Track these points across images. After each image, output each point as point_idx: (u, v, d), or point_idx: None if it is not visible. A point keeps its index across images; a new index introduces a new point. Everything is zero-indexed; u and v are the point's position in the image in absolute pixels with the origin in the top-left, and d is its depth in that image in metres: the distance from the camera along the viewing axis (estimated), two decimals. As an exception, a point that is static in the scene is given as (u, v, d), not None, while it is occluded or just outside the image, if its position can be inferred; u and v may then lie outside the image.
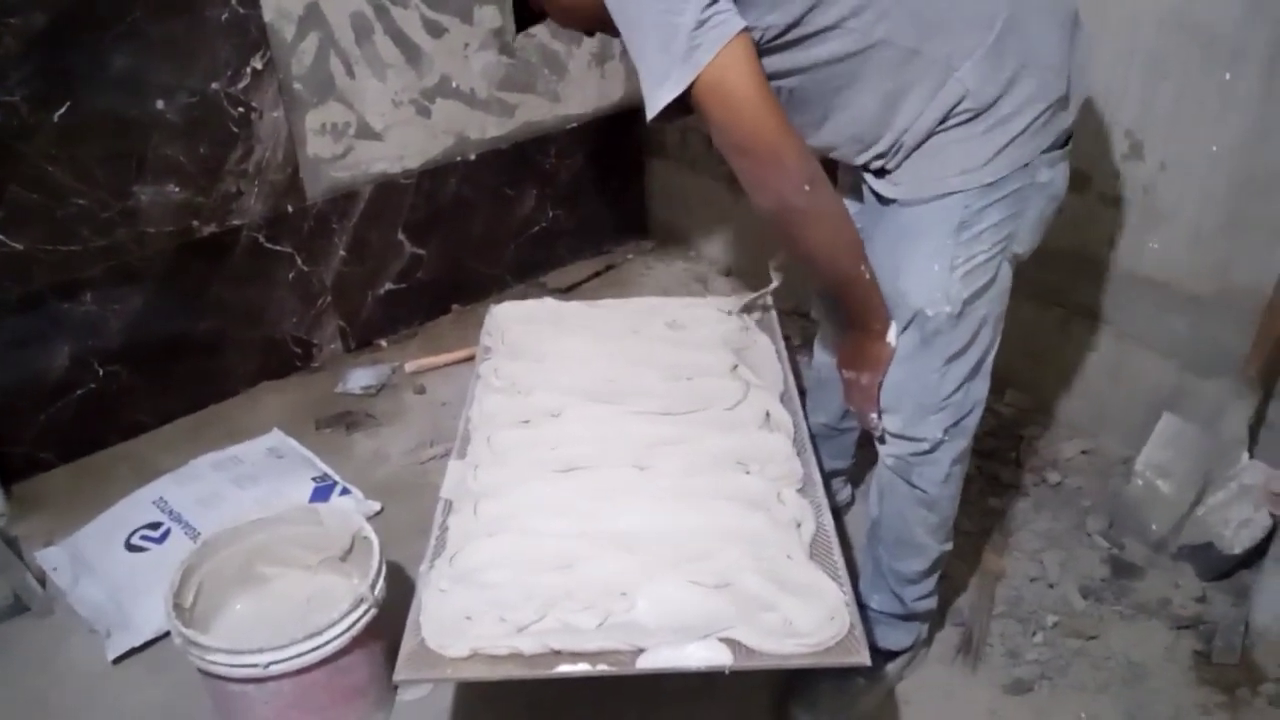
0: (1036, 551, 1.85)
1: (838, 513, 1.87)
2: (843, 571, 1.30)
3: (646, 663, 1.20)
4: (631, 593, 1.26)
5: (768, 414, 1.59)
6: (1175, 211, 1.81)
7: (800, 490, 1.44)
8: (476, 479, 1.50)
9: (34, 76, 1.87)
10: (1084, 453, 2.08)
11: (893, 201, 1.30)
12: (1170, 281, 1.86)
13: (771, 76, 1.19)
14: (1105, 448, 2.07)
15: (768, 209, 1.21)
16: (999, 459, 2.06)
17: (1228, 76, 1.65)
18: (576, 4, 1.27)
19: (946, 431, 1.37)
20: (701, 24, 1.07)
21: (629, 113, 2.86)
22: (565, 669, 1.20)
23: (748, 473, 1.47)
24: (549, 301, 1.98)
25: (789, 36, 1.17)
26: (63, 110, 1.92)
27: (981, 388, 1.38)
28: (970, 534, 1.87)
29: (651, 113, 1.14)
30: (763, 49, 1.17)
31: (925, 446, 1.38)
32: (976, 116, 1.19)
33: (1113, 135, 1.85)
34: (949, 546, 1.53)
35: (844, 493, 1.96)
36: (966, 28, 1.16)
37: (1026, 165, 1.23)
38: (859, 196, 1.42)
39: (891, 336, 1.33)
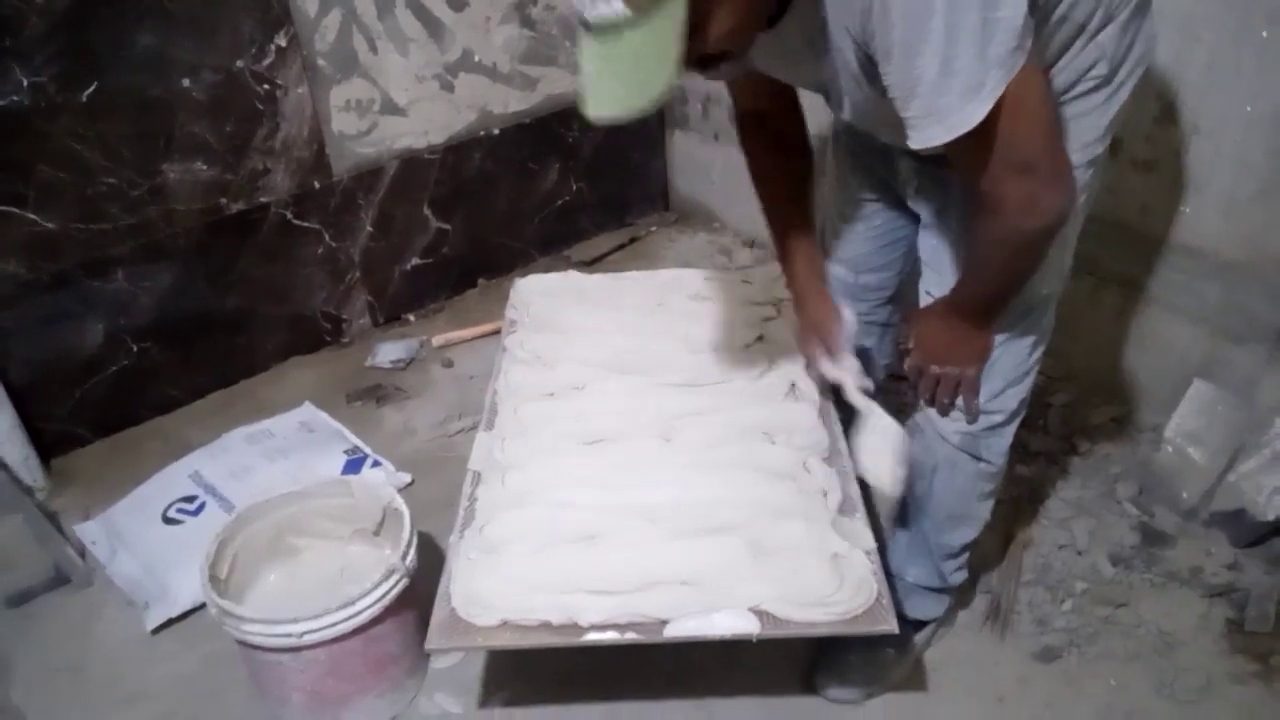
0: (1065, 519, 1.84)
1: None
2: (869, 539, 1.30)
3: (674, 631, 1.21)
4: (658, 564, 1.27)
5: (793, 384, 1.59)
6: (1208, 177, 1.78)
7: (826, 459, 1.44)
8: (504, 451, 1.52)
9: (60, 56, 1.89)
10: (1114, 420, 2.06)
11: None
12: (1203, 248, 1.83)
13: None
14: (1135, 415, 2.05)
15: (1040, 229, 1.08)
16: (1028, 426, 2.03)
17: (1264, 34, 1.61)
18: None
19: (1021, 402, 1.37)
20: (1025, 23, 0.94)
21: (652, 84, 2.84)
22: (593, 637, 1.21)
23: (773, 443, 1.47)
24: (573, 274, 1.99)
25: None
26: (90, 90, 1.94)
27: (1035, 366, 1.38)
28: (1000, 501, 1.85)
29: (962, 129, 0.97)
30: None
31: (1000, 419, 1.38)
32: (1098, 86, 1.16)
33: (1144, 98, 1.81)
34: (989, 517, 1.53)
35: None
36: None
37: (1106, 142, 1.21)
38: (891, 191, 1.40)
39: None
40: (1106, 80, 1.15)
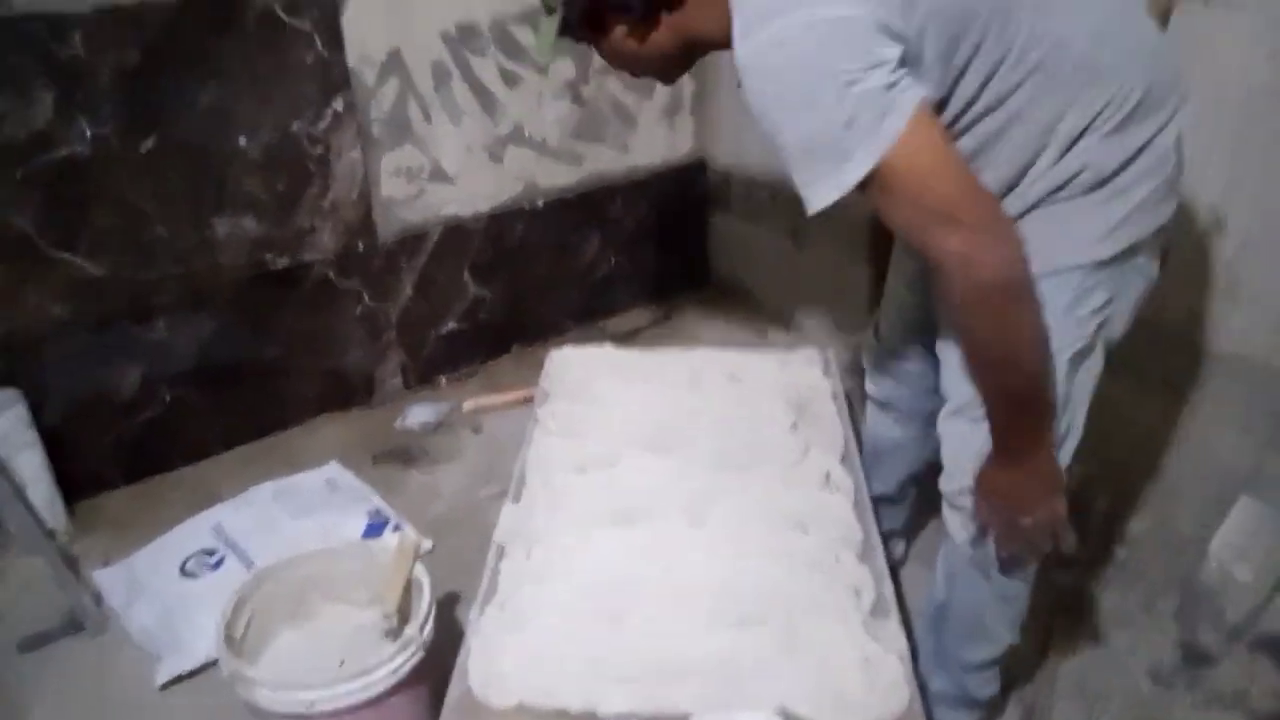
0: (1104, 631, 1.78)
1: (895, 573, 1.82)
2: (903, 643, 1.26)
3: None
4: (683, 653, 1.23)
5: (828, 474, 1.56)
6: (1258, 290, 1.76)
7: (860, 556, 1.41)
8: (530, 524, 1.49)
9: (124, 109, 1.94)
10: (1153, 529, 2.00)
11: None
12: (1253, 358, 1.80)
13: None
14: (1176, 524, 1.99)
15: (986, 282, 1.03)
16: (1065, 532, 1.99)
17: (1318, 151, 1.61)
18: (642, 54, 1.22)
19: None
20: (892, 85, 0.98)
21: (695, 165, 2.88)
22: None
23: (806, 533, 1.44)
24: (609, 348, 1.98)
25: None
26: (149, 142, 1.99)
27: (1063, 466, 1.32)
28: (1035, 609, 1.79)
29: (829, 199, 1.03)
30: None
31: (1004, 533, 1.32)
32: (1095, 188, 1.15)
33: (1195, 208, 1.81)
34: (1017, 639, 1.47)
35: (898, 549, 1.91)
36: (1105, 101, 1.12)
37: (1134, 246, 1.18)
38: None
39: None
40: (1100, 184, 1.14)
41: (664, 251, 2.95)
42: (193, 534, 1.98)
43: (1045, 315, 1.16)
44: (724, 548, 1.41)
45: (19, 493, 1.90)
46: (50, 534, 1.98)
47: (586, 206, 2.72)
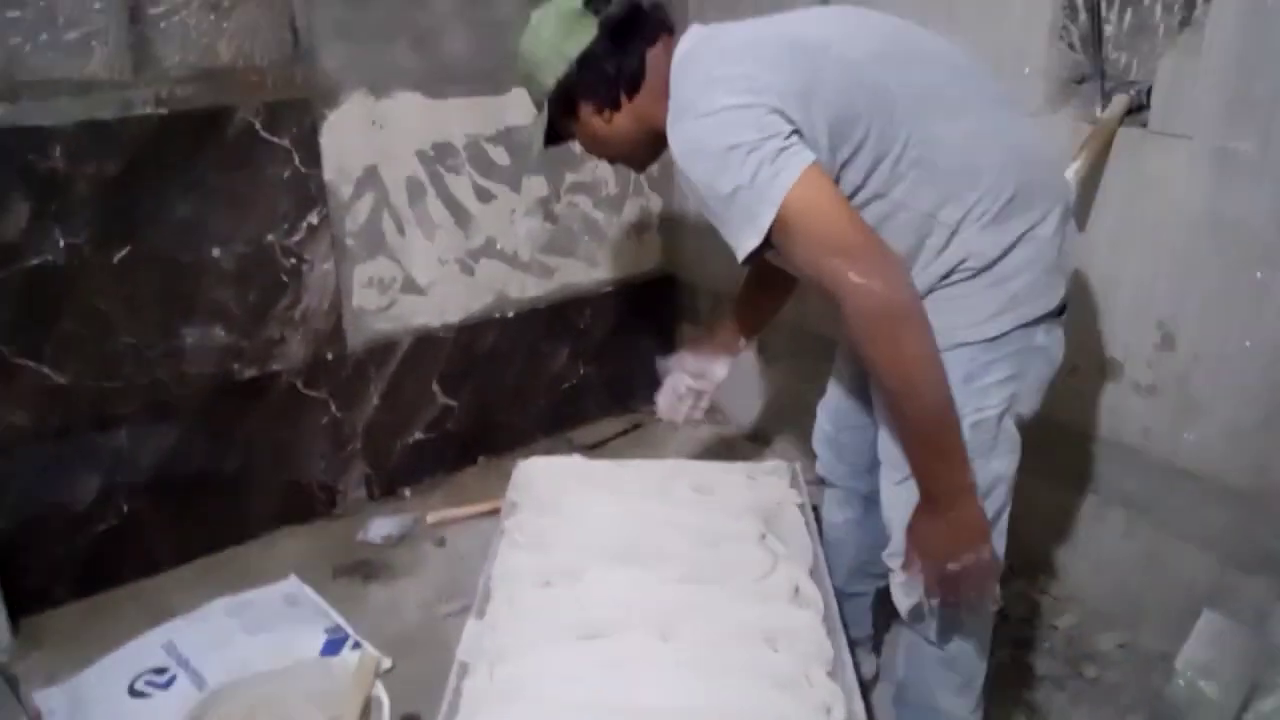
0: (1075, 752, 1.76)
1: (865, 691, 1.80)
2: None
3: None
4: None
5: (797, 588, 1.56)
6: (1210, 405, 1.81)
7: (830, 673, 1.39)
8: (494, 640, 1.46)
9: (99, 219, 1.96)
10: (1120, 646, 2.00)
11: None
12: (1208, 474, 1.84)
13: None
14: (1143, 641, 1.99)
15: (877, 308, 1.14)
16: (1033, 649, 1.98)
17: (1259, 275, 1.68)
18: (611, 138, 1.42)
19: None
20: (783, 150, 1.16)
21: (663, 278, 2.95)
22: None
23: (775, 650, 1.42)
24: (577, 459, 1.98)
25: None
26: (122, 252, 2.01)
27: (999, 546, 1.36)
28: (1004, 729, 1.78)
29: (750, 245, 1.19)
30: None
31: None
32: (977, 275, 1.27)
33: (1144, 325, 1.87)
34: (978, 714, 1.48)
35: (868, 664, 1.89)
36: (978, 196, 1.24)
37: (1026, 326, 1.29)
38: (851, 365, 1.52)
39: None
40: (982, 270, 1.27)
41: (632, 362, 2.98)
42: (143, 651, 1.91)
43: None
44: (693, 665, 1.39)
45: (-38, 608, 1.84)
46: (-9, 651, 1.91)
47: (556, 317, 2.75)
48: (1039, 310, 1.29)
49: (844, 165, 1.23)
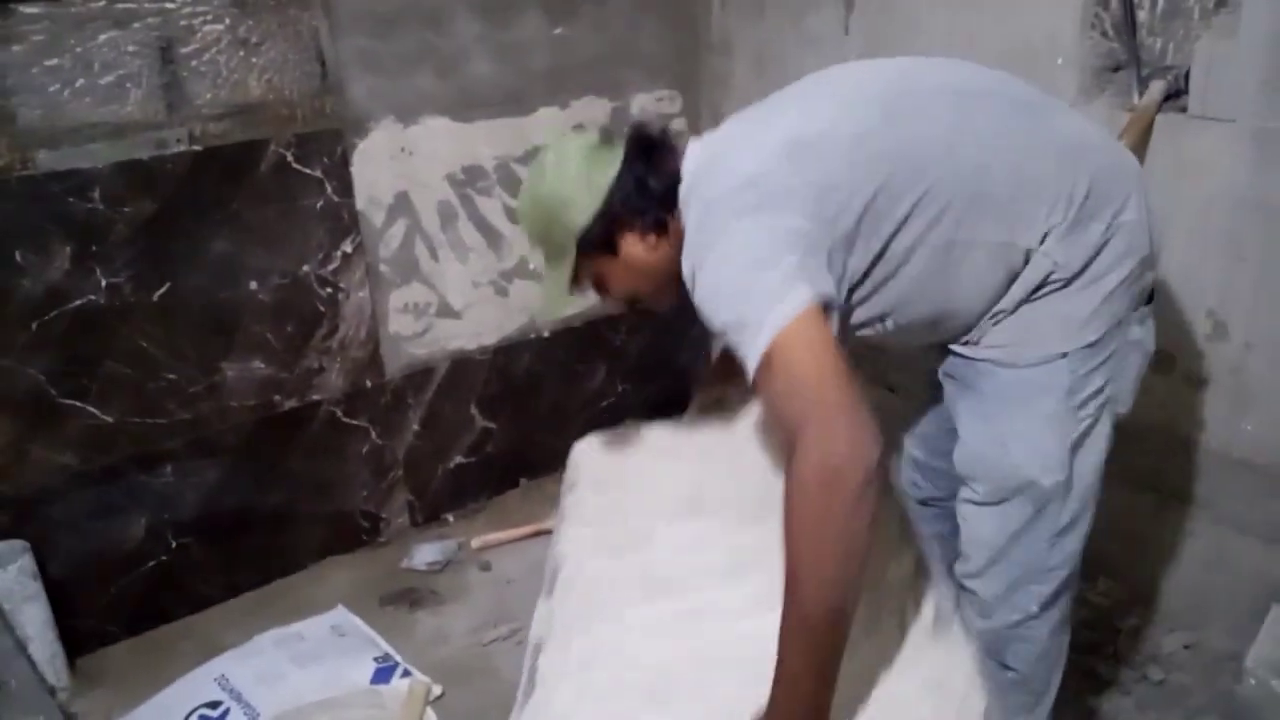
0: (1146, 757, 1.71)
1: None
2: (966, 652, 1.18)
3: None
4: None
5: None
6: (1267, 393, 1.76)
7: (911, 574, 1.32)
8: (565, 614, 1.43)
9: (139, 259, 1.99)
10: (1186, 647, 1.94)
11: (983, 365, 1.28)
12: (1268, 464, 1.79)
13: (871, 321, 1.25)
14: (1210, 641, 1.93)
15: (822, 471, 0.97)
16: (1096, 653, 1.93)
17: (1311, 257, 1.64)
18: (657, 266, 1.33)
19: (1043, 604, 1.32)
20: (786, 279, 1.06)
21: (697, 292, 2.93)
22: None
23: None
24: (631, 429, 1.94)
25: (877, 274, 1.21)
26: (162, 290, 2.03)
27: (1078, 559, 1.33)
28: (1071, 736, 1.73)
29: (754, 357, 1.06)
30: (856, 300, 1.22)
31: (1017, 618, 1.33)
32: (1069, 283, 1.21)
33: (1195, 316, 1.83)
34: None
35: None
36: (1048, 209, 1.19)
37: (1120, 323, 1.24)
38: (935, 392, 1.42)
39: None
40: (1073, 278, 1.21)
41: (669, 377, 2.97)
42: (196, 687, 1.92)
43: (1043, 402, 1.23)
44: (771, 603, 1.33)
45: (21, 648, 1.85)
46: (51, 691, 1.92)
47: (591, 335, 2.74)
48: (1132, 304, 1.25)
49: (893, 236, 1.18)
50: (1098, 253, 1.21)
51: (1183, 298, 1.83)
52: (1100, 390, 1.25)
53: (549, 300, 1.40)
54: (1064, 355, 1.22)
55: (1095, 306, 1.22)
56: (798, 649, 1.01)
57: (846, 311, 1.22)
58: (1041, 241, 1.20)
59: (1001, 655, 1.36)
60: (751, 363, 1.06)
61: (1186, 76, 1.75)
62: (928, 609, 1.26)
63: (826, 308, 1.08)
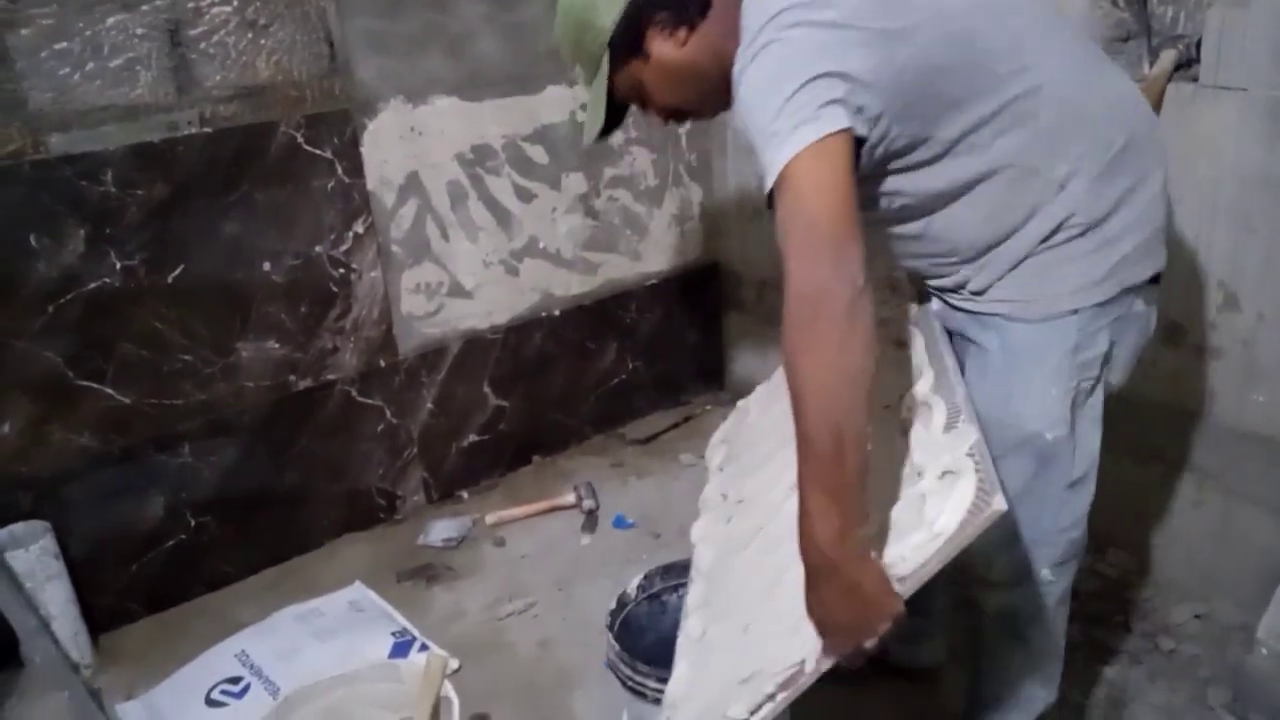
0: (1155, 727, 1.72)
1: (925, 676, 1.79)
2: (976, 435, 1.15)
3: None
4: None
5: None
6: (1278, 364, 1.76)
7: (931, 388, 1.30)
8: (703, 596, 1.45)
9: (152, 242, 2.00)
10: (1197, 617, 1.95)
11: (991, 319, 1.28)
12: (1275, 437, 1.78)
13: (886, 195, 1.22)
14: (1220, 612, 1.94)
15: (812, 292, 1.01)
16: (1106, 624, 1.94)
17: (1322, 228, 1.63)
18: (685, 68, 1.26)
19: (1053, 569, 1.33)
20: (828, 103, 1.05)
21: (707, 268, 2.93)
22: None
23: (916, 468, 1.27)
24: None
25: (907, 152, 1.18)
26: (176, 272, 2.05)
27: (1085, 523, 1.34)
28: (1079, 706, 1.74)
29: (773, 172, 1.05)
30: (888, 168, 1.19)
31: (1027, 583, 1.33)
32: (1085, 233, 1.20)
33: (1206, 287, 1.82)
34: (1054, 698, 1.46)
35: (932, 649, 1.83)
36: (1087, 148, 1.18)
37: (1128, 290, 1.23)
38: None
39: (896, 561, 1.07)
40: (1089, 229, 1.20)
41: (681, 355, 2.97)
42: (217, 662, 1.95)
43: (1049, 358, 1.22)
44: None
45: (45, 626, 1.89)
46: (75, 668, 1.96)
47: (602, 313, 2.75)
48: (1145, 274, 1.25)
49: (935, 120, 1.15)
50: (1116, 209, 1.20)
51: (1193, 268, 1.82)
52: (1106, 353, 1.25)
53: (590, 118, 1.32)
54: (1074, 312, 1.22)
55: (1109, 268, 1.21)
56: (806, 474, 1.03)
57: (866, 171, 1.18)
58: (1066, 182, 1.18)
59: (1013, 624, 1.37)
60: (770, 177, 1.05)
61: (1198, 46, 1.73)
62: (939, 413, 1.23)
63: (854, 144, 1.07)
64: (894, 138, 1.15)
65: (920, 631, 1.76)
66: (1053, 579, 1.34)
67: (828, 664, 1.08)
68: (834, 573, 1.02)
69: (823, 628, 1.07)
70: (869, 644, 1.04)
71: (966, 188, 1.20)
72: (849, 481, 1.01)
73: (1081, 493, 1.31)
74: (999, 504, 1.01)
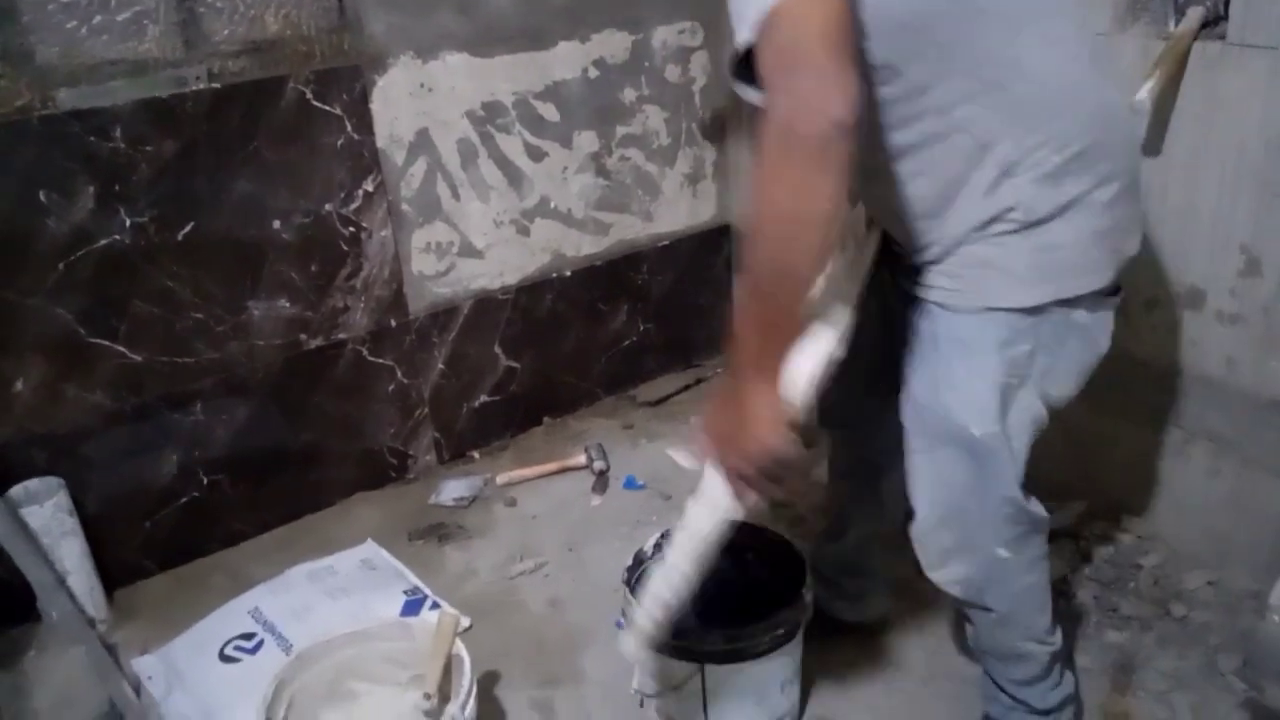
0: (1164, 692, 1.72)
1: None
2: None
3: None
4: None
5: None
6: (1299, 331, 1.73)
7: None
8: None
9: (162, 200, 1.99)
10: (1209, 584, 1.94)
11: (927, 305, 1.26)
12: (1297, 403, 1.77)
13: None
14: (1232, 579, 1.94)
15: (799, 129, 0.95)
16: (1117, 589, 1.94)
17: (1350, 191, 1.59)
18: None
19: (1012, 548, 1.31)
20: None
21: (719, 230, 2.91)
22: None
23: None
24: None
25: (878, 92, 1.12)
26: (186, 230, 2.04)
27: (1019, 492, 1.29)
28: (1090, 671, 1.75)
29: (741, 40, 0.98)
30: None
31: (984, 568, 1.33)
32: (1021, 230, 1.16)
33: (1227, 250, 1.79)
34: (1057, 644, 1.46)
35: (876, 603, 1.83)
36: (1043, 141, 1.13)
37: (1067, 301, 1.19)
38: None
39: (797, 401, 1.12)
40: (1028, 226, 1.15)
41: (691, 317, 2.96)
42: (231, 618, 1.97)
43: (977, 351, 1.20)
44: None
45: (61, 581, 1.91)
46: (91, 623, 1.98)
47: (613, 275, 2.74)
48: (1083, 288, 1.19)
49: (911, 56, 1.08)
50: (1060, 213, 1.15)
51: (1215, 232, 1.79)
52: (1034, 353, 1.21)
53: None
54: (999, 310, 1.19)
55: (1042, 274, 1.17)
56: (741, 299, 1.08)
57: None
58: (1013, 169, 1.13)
59: (982, 600, 1.36)
60: (756, 18, 0.94)
61: (1226, 2, 1.69)
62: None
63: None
64: (868, 51, 1.08)
65: (863, 590, 1.80)
66: (1009, 557, 1.31)
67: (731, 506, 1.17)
68: (733, 387, 1.11)
69: (707, 431, 1.17)
70: (759, 485, 1.12)
71: (926, 141, 1.15)
72: (777, 320, 1.06)
73: (1011, 486, 1.28)
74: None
